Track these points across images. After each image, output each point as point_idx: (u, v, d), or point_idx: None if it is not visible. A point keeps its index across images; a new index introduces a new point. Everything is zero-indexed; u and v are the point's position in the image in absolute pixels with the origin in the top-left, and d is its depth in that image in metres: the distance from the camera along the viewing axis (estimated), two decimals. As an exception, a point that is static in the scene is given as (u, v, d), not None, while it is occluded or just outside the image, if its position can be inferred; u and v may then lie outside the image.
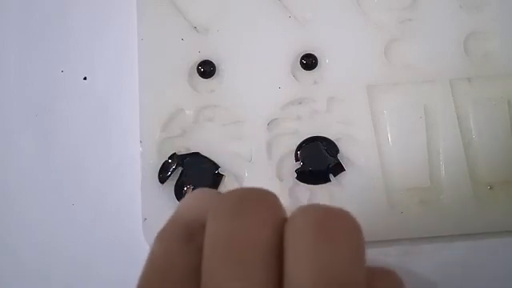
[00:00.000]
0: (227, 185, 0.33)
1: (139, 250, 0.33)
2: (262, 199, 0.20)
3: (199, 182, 0.33)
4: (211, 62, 0.34)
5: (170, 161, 0.33)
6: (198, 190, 0.23)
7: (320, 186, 0.33)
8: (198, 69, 0.34)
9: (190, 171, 0.33)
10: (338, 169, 0.33)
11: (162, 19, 0.34)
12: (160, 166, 0.33)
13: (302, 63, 0.34)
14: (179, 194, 0.33)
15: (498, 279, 0.33)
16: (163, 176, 0.33)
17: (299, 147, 0.33)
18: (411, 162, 0.33)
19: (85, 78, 0.36)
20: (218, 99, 0.34)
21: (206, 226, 0.20)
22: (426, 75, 0.34)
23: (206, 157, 0.33)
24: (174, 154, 0.33)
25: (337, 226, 0.19)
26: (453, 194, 0.33)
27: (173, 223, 0.22)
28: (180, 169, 0.33)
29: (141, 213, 0.33)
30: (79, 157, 0.35)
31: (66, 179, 0.35)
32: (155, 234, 0.32)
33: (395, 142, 0.33)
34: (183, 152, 0.33)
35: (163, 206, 0.33)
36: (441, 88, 0.34)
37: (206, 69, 0.34)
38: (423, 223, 0.33)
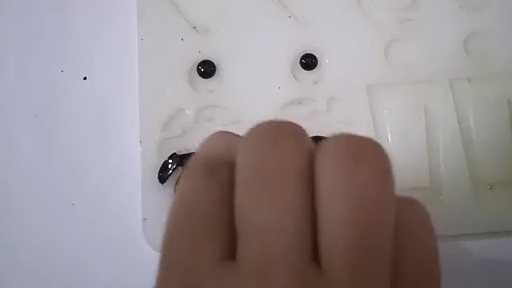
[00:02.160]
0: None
1: (139, 250, 0.33)
2: (292, 129, 0.20)
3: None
4: (211, 62, 0.34)
5: (169, 161, 0.33)
6: (218, 131, 0.23)
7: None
8: (198, 69, 0.34)
9: (190, 171, 0.33)
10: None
11: (162, 19, 0.34)
12: (160, 165, 0.33)
13: (301, 63, 0.34)
14: (179, 193, 0.33)
15: (498, 279, 0.33)
16: (163, 176, 0.33)
17: (299, 147, 0.33)
18: (411, 162, 0.33)
19: (85, 78, 0.36)
20: (217, 99, 0.34)
21: (238, 155, 0.20)
22: (425, 75, 0.34)
23: (206, 157, 0.33)
24: (174, 153, 0.33)
25: (367, 152, 0.19)
26: (453, 194, 0.33)
27: (195, 161, 0.21)
28: (180, 169, 0.33)
29: (140, 213, 0.33)
30: (79, 157, 0.35)
31: (66, 179, 0.35)
32: (155, 234, 0.32)
33: (395, 141, 0.33)
34: (183, 152, 0.33)
35: (163, 206, 0.32)
36: (441, 88, 0.34)
37: (206, 69, 0.34)
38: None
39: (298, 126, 0.20)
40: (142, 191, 0.33)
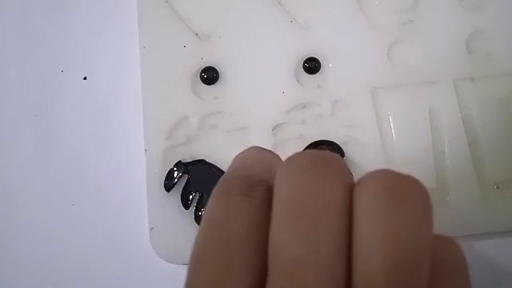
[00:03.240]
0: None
1: (139, 251, 0.33)
2: (333, 161, 0.20)
3: (205, 189, 0.33)
4: (214, 69, 0.34)
5: (175, 169, 0.33)
6: (254, 148, 0.23)
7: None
8: (201, 75, 0.34)
9: (196, 179, 0.33)
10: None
11: (164, 27, 0.34)
12: (165, 174, 0.33)
13: (305, 67, 0.34)
14: (185, 202, 0.33)
15: (507, 279, 0.33)
16: (169, 184, 0.33)
17: (304, 151, 0.33)
18: (417, 164, 0.33)
19: (85, 78, 0.36)
20: (221, 106, 0.34)
21: (276, 183, 0.19)
22: (429, 76, 0.34)
23: (211, 164, 0.33)
24: (179, 161, 0.33)
25: (407, 190, 0.19)
26: (459, 194, 0.33)
27: (232, 177, 0.21)
28: (186, 176, 0.33)
29: (144, 218, 0.33)
30: (79, 157, 0.35)
31: (66, 179, 0.35)
32: (162, 243, 0.32)
33: (400, 143, 0.33)
34: (188, 160, 0.33)
35: (170, 214, 0.33)
36: (444, 88, 0.34)
37: (210, 75, 0.34)
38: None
39: (337, 157, 0.20)
40: (148, 200, 0.33)
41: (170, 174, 0.33)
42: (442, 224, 0.32)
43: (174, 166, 0.33)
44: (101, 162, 0.35)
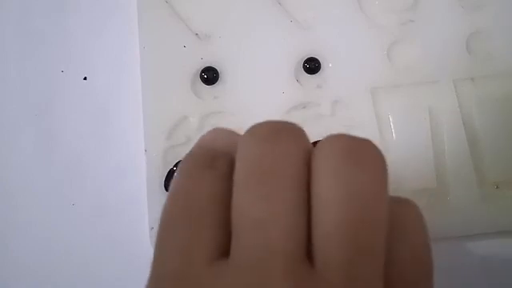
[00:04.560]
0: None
1: (139, 251, 0.33)
2: (290, 129, 0.20)
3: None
4: (214, 69, 0.34)
5: (175, 169, 0.33)
6: (216, 128, 0.23)
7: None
8: (201, 75, 0.34)
9: (196, 179, 0.33)
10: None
11: (164, 27, 0.34)
12: (165, 174, 0.33)
13: (305, 67, 0.34)
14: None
15: (507, 279, 0.33)
16: (169, 184, 0.33)
17: (305, 151, 0.33)
18: (417, 164, 0.33)
19: (85, 78, 0.36)
20: (221, 106, 0.34)
21: (238, 150, 0.20)
22: (429, 76, 0.34)
23: (211, 164, 0.33)
24: (179, 161, 0.33)
25: (363, 151, 0.20)
26: (460, 194, 0.33)
27: (194, 153, 0.22)
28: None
29: (142, 215, 0.33)
30: (79, 157, 0.35)
31: (66, 179, 0.35)
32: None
33: (400, 143, 0.33)
34: (188, 159, 0.33)
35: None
36: (445, 88, 0.34)
37: (210, 75, 0.34)
38: (431, 225, 0.32)
39: (296, 126, 0.21)
40: (148, 200, 0.33)
41: (169, 174, 0.33)
42: (442, 224, 0.32)
43: (174, 166, 0.33)
44: (101, 162, 0.35)
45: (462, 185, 0.33)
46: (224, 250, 0.19)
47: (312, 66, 0.34)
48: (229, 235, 0.19)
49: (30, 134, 0.35)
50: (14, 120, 0.36)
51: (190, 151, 0.22)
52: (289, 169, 0.19)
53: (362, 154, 0.19)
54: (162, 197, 0.33)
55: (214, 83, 0.34)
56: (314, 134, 0.33)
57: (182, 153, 0.33)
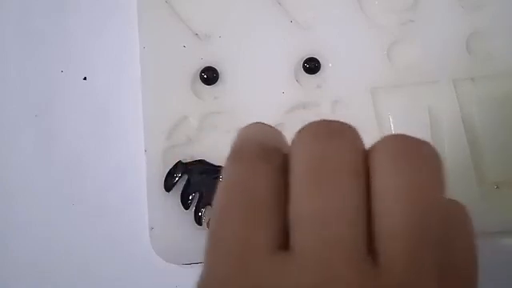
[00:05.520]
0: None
1: (139, 251, 0.33)
2: (348, 127, 0.21)
3: (205, 189, 0.33)
4: (214, 69, 0.34)
5: (175, 169, 0.33)
6: (257, 123, 0.24)
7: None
8: (201, 76, 0.34)
9: (196, 179, 0.33)
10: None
11: (164, 27, 0.34)
12: (165, 174, 0.33)
13: (304, 67, 0.34)
14: (185, 202, 0.33)
15: (507, 279, 0.33)
16: (169, 184, 0.33)
17: (305, 152, 0.33)
18: (417, 164, 0.33)
19: (85, 78, 0.36)
20: (221, 106, 0.34)
21: (295, 145, 0.20)
22: (429, 76, 0.34)
23: (211, 164, 0.33)
24: (179, 161, 0.33)
25: (422, 150, 0.20)
26: (459, 194, 0.32)
27: (244, 145, 0.21)
28: (185, 177, 0.33)
29: (142, 215, 0.33)
30: (79, 157, 0.35)
31: (66, 179, 0.35)
32: (163, 243, 0.32)
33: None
34: (188, 160, 0.33)
35: (169, 214, 0.33)
36: (444, 88, 0.34)
37: (209, 75, 0.34)
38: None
39: (351, 125, 0.21)
40: (148, 200, 0.33)
41: (169, 174, 0.33)
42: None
43: (174, 166, 0.33)
44: (101, 162, 0.35)
45: (461, 184, 0.33)
46: (282, 242, 0.19)
47: (312, 65, 0.34)
48: (285, 227, 0.19)
49: (30, 134, 0.35)
50: (14, 120, 0.36)
51: (237, 143, 0.22)
52: (349, 165, 0.19)
53: (420, 153, 0.20)
54: (162, 197, 0.33)
55: (213, 83, 0.34)
56: (313, 133, 0.34)
57: (181, 153, 0.33)
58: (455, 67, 0.34)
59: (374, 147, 0.20)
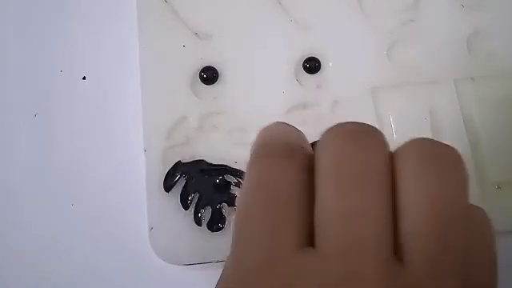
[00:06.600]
0: (234, 191, 0.33)
1: (139, 251, 0.33)
2: (374, 130, 0.21)
3: (205, 189, 0.33)
4: (214, 68, 0.34)
5: (174, 169, 0.33)
6: (279, 122, 0.24)
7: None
8: (200, 75, 0.34)
9: (195, 179, 0.33)
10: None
11: (163, 27, 0.34)
12: (165, 174, 0.33)
13: (305, 67, 0.34)
14: (185, 202, 0.33)
15: (508, 279, 0.33)
16: (168, 184, 0.33)
17: (305, 151, 0.33)
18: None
19: (84, 78, 0.36)
20: (221, 105, 0.34)
21: (321, 146, 0.21)
22: (429, 76, 0.34)
23: (210, 164, 0.33)
24: (179, 161, 0.33)
25: (447, 155, 0.20)
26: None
27: (268, 143, 0.22)
28: (185, 177, 0.33)
29: (141, 215, 0.33)
30: (79, 157, 0.35)
31: (65, 179, 0.35)
32: (162, 243, 0.32)
33: (401, 143, 0.33)
34: (188, 160, 0.33)
35: (169, 214, 0.32)
36: (445, 88, 0.34)
37: (209, 75, 0.34)
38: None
39: (376, 128, 0.21)
40: (147, 200, 0.33)
41: (169, 174, 0.33)
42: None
43: (174, 166, 0.33)
44: (100, 162, 0.35)
45: (462, 185, 0.33)
46: (307, 240, 0.19)
47: (312, 65, 0.34)
48: (310, 225, 0.20)
49: (30, 133, 0.35)
50: (13, 120, 0.36)
51: (260, 141, 0.22)
52: (376, 166, 0.20)
53: (447, 158, 0.20)
54: (161, 197, 0.33)
55: (213, 83, 0.34)
56: (314, 134, 0.33)
57: (181, 153, 0.33)
58: (455, 67, 0.34)
59: (400, 150, 0.21)
